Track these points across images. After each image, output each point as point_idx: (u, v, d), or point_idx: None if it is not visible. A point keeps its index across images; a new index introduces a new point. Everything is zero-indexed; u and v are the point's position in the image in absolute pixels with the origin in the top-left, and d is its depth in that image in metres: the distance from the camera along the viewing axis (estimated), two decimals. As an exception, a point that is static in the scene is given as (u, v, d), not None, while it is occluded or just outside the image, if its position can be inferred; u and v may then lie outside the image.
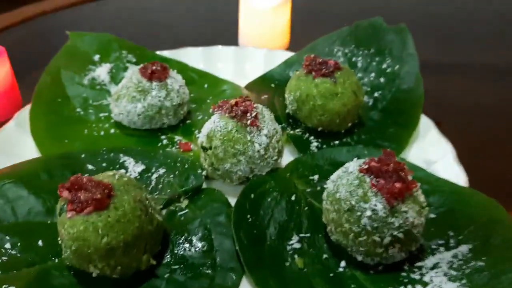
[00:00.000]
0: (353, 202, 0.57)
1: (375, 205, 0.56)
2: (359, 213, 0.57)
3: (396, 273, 0.59)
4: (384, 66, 0.93)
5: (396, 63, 0.92)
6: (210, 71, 0.98)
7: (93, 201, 0.54)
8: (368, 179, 0.58)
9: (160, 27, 1.29)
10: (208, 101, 0.90)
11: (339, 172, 0.62)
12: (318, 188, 0.71)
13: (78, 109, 0.86)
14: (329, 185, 0.62)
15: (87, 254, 0.54)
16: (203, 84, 0.95)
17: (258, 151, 0.68)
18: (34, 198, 0.66)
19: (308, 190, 0.71)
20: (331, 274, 0.60)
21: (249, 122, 0.67)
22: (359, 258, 0.60)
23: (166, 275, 0.59)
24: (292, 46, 1.13)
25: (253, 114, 0.68)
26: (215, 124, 0.69)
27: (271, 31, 1.09)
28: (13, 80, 0.90)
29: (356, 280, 0.59)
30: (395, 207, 0.56)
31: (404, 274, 0.59)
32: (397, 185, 0.56)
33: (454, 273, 0.57)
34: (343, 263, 0.61)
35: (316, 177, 0.73)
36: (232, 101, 0.70)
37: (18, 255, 0.59)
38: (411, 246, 0.59)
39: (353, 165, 0.61)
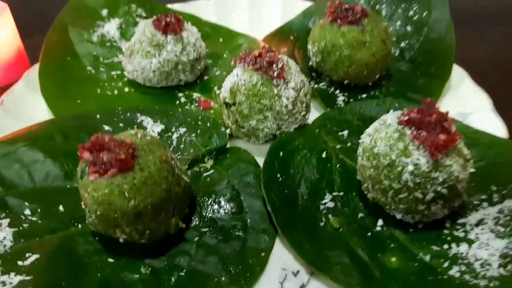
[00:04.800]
0: (393, 157, 0.54)
1: (418, 159, 0.52)
2: (400, 169, 0.53)
3: (438, 231, 0.56)
4: (411, 13, 0.87)
5: (423, 10, 0.86)
6: (224, 24, 0.93)
7: (117, 162, 0.50)
8: (408, 132, 0.54)
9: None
10: (224, 55, 0.86)
11: (375, 125, 0.58)
12: (349, 144, 0.67)
13: (89, 68, 0.81)
14: (365, 139, 0.58)
15: (114, 219, 0.50)
16: (218, 38, 0.90)
17: (286, 106, 0.64)
18: (51, 162, 0.62)
19: (338, 146, 0.67)
20: (369, 234, 0.57)
21: (275, 74, 0.63)
22: (398, 216, 0.57)
23: (196, 239, 0.56)
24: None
25: (280, 65, 0.63)
26: (238, 78, 0.65)
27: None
28: (18, 40, 0.85)
29: (395, 240, 0.56)
30: (439, 161, 0.52)
31: (446, 231, 0.56)
32: (442, 136, 0.52)
33: (501, 229, 0.54)
34: (380, 222, 0.58)
35: (345, 132, 0.69)
36: (255, 52, 0.65)
37: (39, 221, 0.56)
38: (454, 202, 0.55)
39: (391, 117, 0.57)
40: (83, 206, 0.53)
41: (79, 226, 0.57)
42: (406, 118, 0.55)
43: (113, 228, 0.52)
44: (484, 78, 0.79)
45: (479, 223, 0.56)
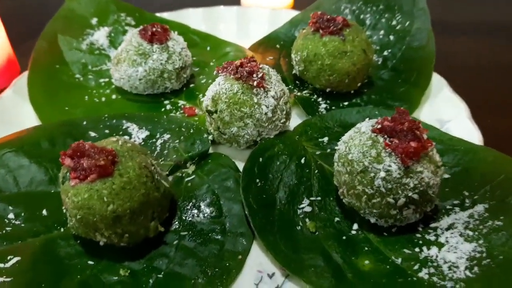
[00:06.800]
0: (366, 163, 0.55)
1: (389, 166, 0.54)
2: (372, 175, 0.55)
3: (410, 234, 0.58)
4: (394, 23, 0.89)
5: (406, 20, 0.88)
6: (212, 33, 0.95)
7: (96, 168, 0.52)
8: (381, 139, 0.56)
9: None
10: (211, 64, 0.87)
11: (351, 132, 0.60)
12: (328, 150, 0.69)
13: (77, 75, 0.83)
14: (341, 146, 0.60)
15: (93, 223, 0.52)
16: (205, 47, 0.92)
17: (266, 113, 0.65)
18: (36, 167, 0.64)
19: (318, 152, 0.69)
20: (344, 237, 0.59)
21: (255, 83, 0.64)
22: (372, 220, 0.58)
23: (175, 242, 0.58)
24: (296, 5, 1.09)
25: (259, 75, 0.65)
26: (220, 87, 0.66)
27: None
28: (9, 47, 0.87)
29: (369, 243, 0.58)
30: (410, 167, 0.54)
31: (418, 235, 0.58)
32: (412, 144, 0.54)
33: (470, 233, 0.56)
34: (355, 226, 0.60)
35: (325, 139, 0.71)
36: (237, 62, 0.67)
37: (22, 225, 0.58)
38: (426, 207, 0.57)
39: (366, 125, 0.59)
40: (64, 210, 0.55)
41: (62, 229, 0.58)
42: (379, 126, 0.57)
43: (93, 232, 0.54)
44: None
45: (449, 227, 0.57)
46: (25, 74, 0.81)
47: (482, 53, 1.02)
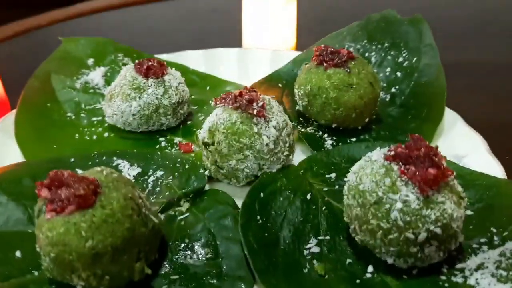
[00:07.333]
0: (380, 194, 0.49)
1: (407, 196, 0.48)
2: (387, 206, 0.48)
3: (434, 276, 0.50)
4: (400, 59, 0.85)
5: (413, 56, 0.84)
6: (212, 74, 0.92)
7: (75, 199, 0.46)
8: (396, 167, 0.50)
9: (159, 38, 1.24)
10: (210, 102, 0.82)
11: (361, 162, 0.54)
12: (336, 187, 0.63)
13: (69, 114, 0.79)
14: (351, 177, 0.54)
15: (69, 262, 0.45)
16: (205, 86, 0.88)
17: (267, 144, 0.60)
18: (14, 205, 0.58)
19: (325, 189, 0.62)
20: (358, 281, 0.51)
21: (255, 112, 0.60)
22: (390, 260, 0.51)
23: (164, 287, 0.50)
24: (299, 48, 1.07)
25: (260, 104, 0.60)
26: (217, 117, 0.62)
27: (276, 31, 1.03)
28: (0, 88, 0.83)
29: (386, 287, 0.50)
30: (430, 197, 0.48)
31: (443, 277, 0.50)
32: (431, 171, 0.48)
33: (503, 273, 0.48)
34: (370, 268, 0.52)
35: (333, 175, 0.65)
36: (236, 92, 0.63)
37: (-9, 268, 0.51)
38: (451, 244, 0.50)
39: (377, 153, 0.53)
40: (38, 249, 0.48)
41: (36, 273, 0.51)
42: (392, 153, 0.51)
43: (69, 273, 0.47)
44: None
45: (479, 267, 0.50)
46: (14, 112, 0.77)
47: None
